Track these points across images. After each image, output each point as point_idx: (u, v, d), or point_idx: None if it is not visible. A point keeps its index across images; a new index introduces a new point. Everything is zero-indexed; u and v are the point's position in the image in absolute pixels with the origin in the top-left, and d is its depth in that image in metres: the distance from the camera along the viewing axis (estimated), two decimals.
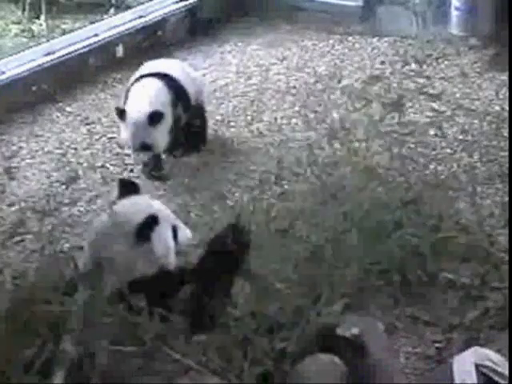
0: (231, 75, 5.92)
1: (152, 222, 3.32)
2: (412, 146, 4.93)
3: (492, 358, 2.99)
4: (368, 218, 3.89)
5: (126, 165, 4.81)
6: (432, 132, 5.10)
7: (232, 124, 5.27)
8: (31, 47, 5.77)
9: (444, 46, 6.25)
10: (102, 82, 5.81)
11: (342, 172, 4.52)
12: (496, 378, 2.94)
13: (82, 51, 5.81)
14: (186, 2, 6.58)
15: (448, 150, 4.91)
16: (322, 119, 5.26)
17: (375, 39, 6.42)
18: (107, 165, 4.81)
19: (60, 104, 5.51)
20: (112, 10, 6.54)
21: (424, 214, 4.02)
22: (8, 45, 6.13)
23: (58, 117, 5.39)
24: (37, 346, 2.91)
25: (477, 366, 2.95)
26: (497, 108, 5.38)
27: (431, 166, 4.72)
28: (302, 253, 3.70)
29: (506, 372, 2.95)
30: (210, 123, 5.09)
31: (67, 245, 3.99)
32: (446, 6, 6.45)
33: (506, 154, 4.79)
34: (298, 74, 5.93)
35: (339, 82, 5.78)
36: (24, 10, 6.45)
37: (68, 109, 5.47)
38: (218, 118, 5.29)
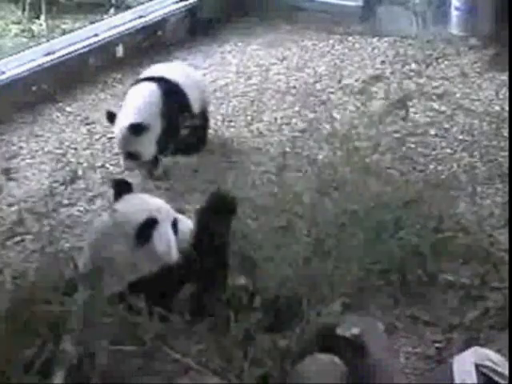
0: (231, 75, 5.92)
1: (152, 223, 3.32)
2: (412, 145, 4.93)
3: (492, 358, 2.99)
4: (368, 218, 3.89)
5: None
6: (432, 132, 5.10)
7: (232, 124, 5.27)
8: (31, 47, 5.77)
9: (444, 46, 6.26)
10: (102, 81, 5.81)
11: (342, 172, 4.52)
12: (496, 378, 2.94)
13: (81, 51, 5.81)
14: (186, 2, 6.58)
15: (448, 150, 4.91)
16: (322, 119, 5.26)
17: (375, 39, 6.42)
18: (107, 165, 4.81)
19: (60, 104, 5.51)
20: (112, 10, 6.54)
21: (424, 214, 4.02)
22: (8, 45, 6.13)
23: (57, 117, 5.39)
24: (37, 346, 2.91)
25: (477, 366, 2.95)
26: (497, 108, 5.38)
27: (431, 166, 4.72)
28: (302, 252, 3.70)
29: (506, 372, 2.95)
30: (210, 123, 5.09)
31: (67, 245, 3.99)
32: (446, 6, 6.45)
33: (506, 154, 4.79)
34: (298, 73, 5.94)
35: (339, 81, 5.78)
36: (24, 9, 6.45)
37: (68, 109, 5.47)
38: (218, 117, 5.29)
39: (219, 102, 5.50)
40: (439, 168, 4.71)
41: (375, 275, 3.67)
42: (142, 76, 4.87)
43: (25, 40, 6.19)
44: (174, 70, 4.91)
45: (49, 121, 5.33)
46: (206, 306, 3.29)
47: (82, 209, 4.42)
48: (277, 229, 4.02)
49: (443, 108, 5.40)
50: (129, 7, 6.48)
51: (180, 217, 3.51)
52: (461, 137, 5.06)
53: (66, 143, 5.07)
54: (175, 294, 3.36)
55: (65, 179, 4.66)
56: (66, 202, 4.47)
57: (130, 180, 4.05)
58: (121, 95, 5.45)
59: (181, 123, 4.68)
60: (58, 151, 4.98)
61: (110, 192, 4.44)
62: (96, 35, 5.96)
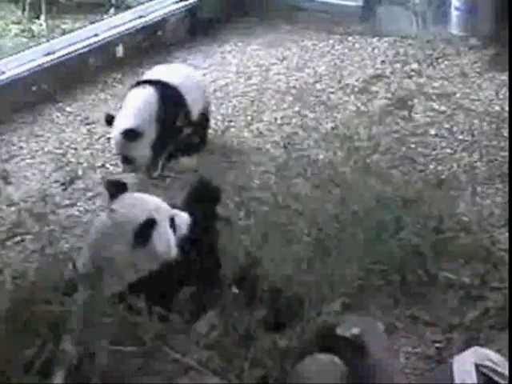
0: (231, 75, 5.92)
1: (151, 224, 3.33)
2: (412, 145, 4.93)
3: (492, 358, 2.99)
4: (368, 218, 3.89)
5: None
6: (432, 132, 5.10)
7: (232, 124, 5.27)
8: (31, 47, 5.77)
9: (444, 46, 6.26)
10: (102, 82, 5.82)
11: (342, 172, 4.53)
12: (496, 378, 2.94)
13: (81, 51, 5.81)
14: (186, 2, 6.58)
15: (448, 150, 4.91)
16: (322, 119, 5.26)
17: (375, 39, 6.42)
18: (107, 165, 4.81)
19: (60, 104, 5.51)
20: (112, 10, 6.54)
21: (424, 213, 4.02)
22: (8, 45, 6.13)
23: (57, 117, 5.39)
24: (37, 346, 2.91)
25: (477, 366, 2.95)
26: (497, 108, 5.38)
27: (431, 166, 4.72)
28: (302, 252, 3.70)
29: (506, 372, 2.95)
30: (210, 123, 5.09)
31: (67, 245, 3.99)
32: (446, 6, 6.45)
33: (506, 154, 4.79)
34: (298, 73, 5.93)
35: (339, 82, 5.78)
36: (24, 9, 6.45)
37: (68, 109, 5.47)
38: (218, 118, 5.29)
39: (219, 102, 5.50)
40: (439, 168, 4.71)
41: (375, 275, 3.67)
42: (141, 78, 4.87)
43: (25, 40, 6.19)
44: (174, 72, 4.88)
45: (49, 121, 5.33)
46: (203, 302, 3.31)
47: (81, 209, 4.42)
48: (277, 228, 4.02)
49: (443, 108, 5.40)
50: (129, 7, 6.48)
51: (176, 212, 3.50)
52: (461, 137, 5.06)
53: (66, 143, 5.07)
54: (175, 294, 3.36)
55: (65, 179, 4.66)
56: (65, 202, 4.47)
57: (127, 179, 4.08)
58: (121, 95, 5.45)
59: (178, 128, 4.65)
60: (58, 151, 4.98)
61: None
62: (96, 35, 5.96)
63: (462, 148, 4.94)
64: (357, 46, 6.36)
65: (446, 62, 6.03)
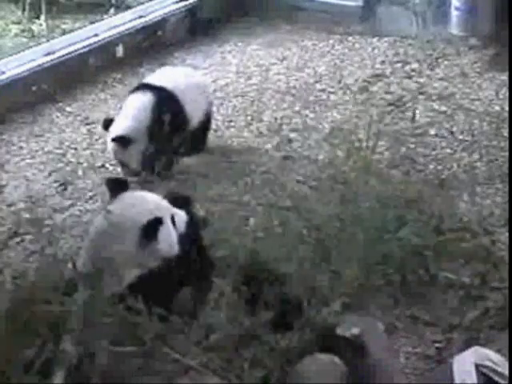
0: (231, 75, 5.92)
1: (156, 223, 3.34)
2: (412, 145, 4.93)
3: (492, 358, 3.00)
4: (368, 218, 3.89)
5: None
6: (432, 132, 5.10)
7: (232, 124, 5.27)
8: (31, 47, 5.77)
9: (444, 46, 6.26)
10: (102, 82, 5.81)
11: (342, 172, 4.53)
12: (496, 378, 2.94)
13: (82, 51, 5.81)
14: (186, 2, 6.58)
15: (448, 150, 4.91)
16: (322, 119, 5.26)
17: (375, 39, 6.42)
18: (107, 165, 4.80)
19: (60, 104, 5.51)
20: (112, 10, 6.54)
21: (424, 213, 4.02)
22: (8, 45, 6.13)
23: (57, 117, 5.39)
24: (37, 346, 2.91)
25: (477, 366, 2.95)
26: (497, 108, 5.38)
27: (431, 166, 4.72)
28: (302, 252, 3.70)
29: (506, 372, 2.95)
30: (211, 124, 5.08)
31: (67, 245, 3.99)
32: (446, 6, 6.45)
33: (506, 154, 4.79)
34: (298, 73, 5.93)
35: (339, 81, 5.78)
36: (24, 9, 6.45)
37: (68, 109, 5.47)
38: (218, 118, 5.29)
39: (219, 101, 5.49)
40: (439, 168, 4.71)
41: (375, 275, 3.67)
42: (143, 81, 4.84)
43: (25, 40, 6.19)
44: (175, 77, 4.82)
45: (49, 121, 5.33)
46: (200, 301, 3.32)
47: (81, 209, 4.42)
48: (277, 228, 4.02)
49: (443, 108, 5.40)
50: (129, 7, 6.48)
51: (175, 210, 3.52)
52: (461, 137, 5.06)
53: (66, 143, 5.07)
54: (175, 294, 3.37)
55: (65, 179, 4.66)
56: (65, 202, 4.47)
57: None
58: (121, 95, 5.46)
59: (174, 135, 4.59)
60: (58, 151, 4.98)
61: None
62: (96, 35, 5.96)
63: (462, 148, 4.94)
64: (357, 45, 6.36)
65: (445, 62, 6.03)
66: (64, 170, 4.78)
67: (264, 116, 5.36)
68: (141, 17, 6.30)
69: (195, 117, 4.75)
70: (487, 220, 4.17)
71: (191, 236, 3.50)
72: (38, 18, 6.39)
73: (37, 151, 4.99)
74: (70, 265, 3.30)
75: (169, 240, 3.38)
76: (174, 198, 3.60)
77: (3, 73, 5.40)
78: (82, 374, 2.93)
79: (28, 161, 4.88)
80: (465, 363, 2.98)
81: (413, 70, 5.91)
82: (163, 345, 3.07)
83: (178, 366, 3.04)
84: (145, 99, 4.57)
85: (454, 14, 6.40)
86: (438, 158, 4.82)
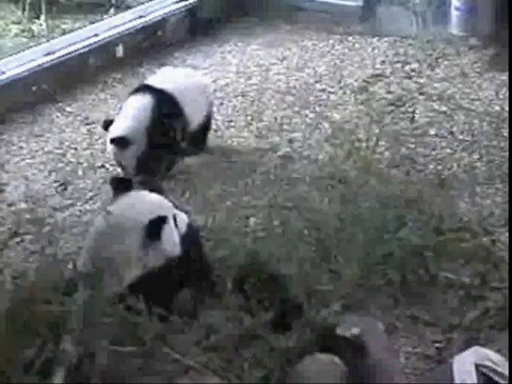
0: (231, 75, 5.92)
1: (161, 221, 3.34)
2: (412, 145, 4.93)
3: (492, 358, 2.99)
4: (368, 218, 3.89)
5: None
6: (432, 132, 5.10)
7: (232, 124, 5.27)
8: (31, 47, 5.77)
9: (444, 46, 6.26)
10: (102, 82, 5.81)
11: (342, 172, 4.53)
12: (496, 378, 2.94)
13: (82, 51, 5.81)
14: (186, 2, 6.58)
15: (448, 150, 4.91)
16: (322, 119, 5.26)
17: (375, 39, 6.42)
18: (107, 165, 4.80)
19: (60, 104, 5.51)
20: (112, 10, 6.54)
21: (424, 213, 4.02)
22: (8, 45, 6.13)
23: (57, 117, 5.39)
24: (37, 346, 2.91)
25: (477, 366, 2.95)
26: (497, 108, 5.38)
27: (431, 166, 4.72)
28: (303, 252, 3.70)
29: (506, 372, 2.95)
30: (211, 124, 5.08)
31: (67, 245, 3.99)
32: (446, 6, 6.45)
33: (506, 154, 4.79)
34: (298, 73, 5.93)
35: (339, 81, 5.78)
36: (24, 9, 6.45)
37: (68, 109, 5.47)
38: (218, 118, 5.29)
39: (219, 101, 5.49)
40: (439, 168, 4.71)
41: (375, 275, 3.67)
42: (143, 83, 4.83)
43: (25, 40, 6.19)
44: (176, 79, 4.79)
45: (49, 121, 5.33)
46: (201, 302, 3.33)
47: (81, 209, 4.42)
48: (277, 228, 4.03)
49: (443, 108, 5.39)
50: (129, 7, 6.48)
51: (177, 211, 3.52)
52: (461, 137, 5.06)
53: (66, 143, 5.07)
54: (175, 295, 3.37)
55: (65, 179, 4.66)
56: (65, 202, 4.47)
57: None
58: (121, 95, 5.46)
59: (173, 138, 4.58)
60: (58, 151, 4.98)
61: (110, 191, 4.47)
62: (96, 35, 5.96)
63: (462, 148, 4.94)
64: (357, 45, 6.36)
65: (445, 62, 6.03)
66: (64, 169, 4.78)
67: (264, 116, 5.36)
68: (141, 17, 6.30)
69: (195, 119, 4.74)
70: (487, 220, 4.17)
71: (192, 237, 3.51)
72: (38, 17, 6.39)
73: (37, 151, 4.99)
74: (70, 265, 3.30)
75: (171, 240, 3.39)
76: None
77: (3, 73, 5.40)
78: (81, 374, 2.93)
79: (28, 161, 4.88)
80: (465, 363, 2.98)
81: (413, 70, 5.91)
82: (163, 345, 3.07)
83: (178, 366, 3.04)
84: (144, 101, 4.57)
85: (454, 14, 6.40)
86: (437, 158, 4.82)
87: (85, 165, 4.82)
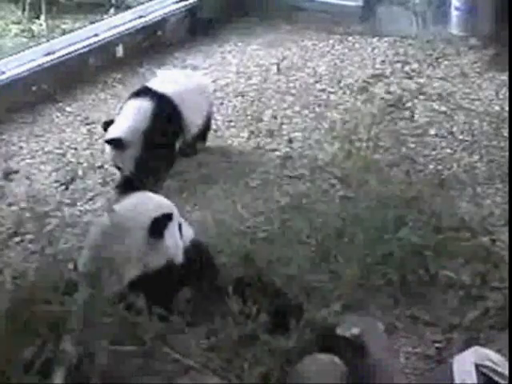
0: (231, 75, 5.92)
1: (166, 218, 3.36)
2: (412, 145, 4.93)
3: (492, 358, 2.99)
4: (368, 218, 3.89)
5: None
6: (432, 132, 5.10)
7: (232, 124, 5.27)
8: (31, 47, 5.76)
9: (444, 46, 6.26)
10: (102, 82, 5.81)
11: (342, 172, 4.53)
12: (496, 378, 2.94)
13: (82, 51, 5.81)
14: (186, 2, 6.58)
15: (448, 150, 4.91)
16: (321, 119, 5.26)
17: (375, 39, 6.42)
18: (107, 165, 4.80)
19: (60, 104, 5.51)
20: (112, 10, 6.54)
21: (424, 213, 4.02)
22: (8, 45, 6.13)
23: (57, 117, 5.39)
24: (37, 346, 2.91)
25: (477, 366, 2.95)
26: (497, 108, 5.38)
27: (431, 166, 4.72)
28: (303, 252, 3.71)
29: (506, 372, 2.95)
30: (211, 123, 5.08)
31: (67, 245, 3.99)
32: (446, 6, 6.45)
33: (506, 154, 4.79)
34: (298, 73, 5.93)
35: (339, 82, 5.78)
36: (24, 9, 6.45)
37: (68, 109, 5.47)
38: (218, 118, 5.29)
39: (219, 101, 5.49)
40: (439, 168, 4.71)
41: (375, 275, 3.67)
42: (143, 86, 4.82)
43: (25, 40, 6.19)
44: (176, 82, 4.77)
45: (49, 121, 5.33)
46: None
47: (81, 209, 4.42)
48: (277, 228, 4.03)
49: (443, 108, 5.39)
50: (129, 7, 6.48)
51: (183, 222, 3.55)
52: (461, 137, 5.06)
53: (66, 143, 5.07)
54: (175, 294, 3.37)
55: (65, 179, 4.66)
56: (65, 202, 4.47)
57: None
58: (121, 95, 5.46)
59: (171, 142, 4.58)
60: (58, 151, 4.98)
61: (111, 192, 4.48)
62: (96, 35, 5.96)
63: (462, 148, 4.94)
64: (357, 45, 6.36)
65: (445, 62, 6.03)
66: (64, 169, 4.78)
67: (264, 116, 5.36)
68: (141, 17, 6.29)
69: (194, 121, 4.72)
70: (487, 220, 4.17)
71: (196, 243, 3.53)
72: (38, 17, 6.38)
73: (37, 151, 4.99)
74: (70, 265, 3.30)
75: (173, 242, 3.40)
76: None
77: (3, 73, 5.40)
78: (82, 374, 2.93)
79: (28, 161, 4.88)
80: (465, 363, 2.98)
81: (413, 70, 5.91)
82: (163, 344, 3.07)
83: (178, 365, 3.04)
84: (143, 104, 4.54)
85: (454, 14, 6.40)
86: (437, 158, 4.82)
87: (85, 165, 4.82)
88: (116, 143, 4.45)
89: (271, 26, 6.69)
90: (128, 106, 4.60)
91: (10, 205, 4.40)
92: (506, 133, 5.01)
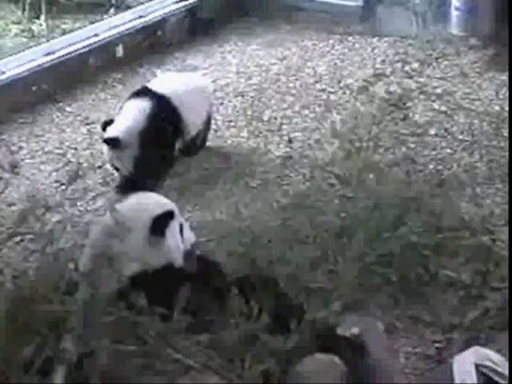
0: (231, 75, 5.92)
1: (169, 216, 3.36)
2: (412, 145, 4.93)
3: (492, 358, 2.99)
4: (368, 218, 3.89)
5: None
6: (432, 132, 5.10)
7: (232, 124, 5.27)
8: (31, 47, 5.77)
9: (444, 45, 6.26)
10: (102, 82, 5.82)
11: (342, 172, 4.53)
12: (496, 378, 2.94)
13: (82, 51, 5.81)
14: (186, 2, 6.58)
15: (448, 150, 4.91)
16: (321, 119, 5.26)
17: (375, 39, 6.42)
18: (107, 165, 4.80)
19: (60, 104, 5.52)
20: (112, 10, 6.54)
21: (424, 213, 4.03)
22: (8, 45, 6.13)
23: (58, 117, 5.39)
24: (37, 345, 2.91)
25: (477, 366, 2.95)
26: (497, 108, 5.38)
27: (431, 166, 4.72)
28: (302, 252, 3.71)
29: (506, 372, 2.95)
30: (211, 123, 5.08)
31: (67, 245, 3.99)
32: (446, 6, 6.45)
33: (506, 154, 4.79)
34: (298, 73, 5.93)
35: (339, 81, 5.78)
36: (24, 9, 6.45)
37: (68, 109, 5.47)
38: (218, 118, 5.29)
39: (219, 101, 5.49)
40: (439, 168, 4.71)
41: (375, 275, 3.67)
42: (143, 86, 4.82)
43: (25, 40, 6.19)
44: (176, 83, 4.78)
45: (49, 121, 5.33)
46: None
47: (82, 209, 4.42)
48: (277, 228, 4.03)
49: (443, 108, 5.39)
50: (129, 7, 6.48)
51: (185, 224, 3.55)
52: (461, 137, 5.06)
53: (66, 143, 5.07)
54: (175, 294, 3.37)
55: (65, 179, 4.66)
56: (66, 202, 4.47)
57: None
58: (121, 95, 5.46)
59: (169, 144, 4.58)
60: (58, 151, 4.98)
61: (111, 192, 4.48)
62: (96, 35, 5.96)
63: (462, 148, 4.94)
64: (357, 45, 6.36)
65: (445, 62, 6.03)
66: (64, 169, 4.78)
67: (264, 116, 5.36)
68: (141, 17, 6.29)
69: (193, 124, 4.71)
70: (487, 219, 4.17)
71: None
72: (38, 18, 6.38)
73: (37, 151, 4.99)
74: (71, 264, 3.30)
75: (175, 241, 3.40)
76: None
77: (3, 73, 5.40)
78: (82, 374, 2.93)
79: (28, 161, 4.88)
80: (465, 363, 2.98)
81: (413, 70, 5.91)
82: (164, 344, 3.07)
83: (178, 365, 3.04)
84: (142, 104, 4.54)
85: (454, 13, 6.40)
86: (437, 158, 4.82)
87: (85, 165, 4.82)
88: (114, 143, 4.45)
89: (271, 26, 6.69)
90: (127, 107, 4.60)
91: (10, 204, 4.40)
92: (505, 133, 5.01)
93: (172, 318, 3.12)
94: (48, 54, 5.66)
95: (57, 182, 4.66)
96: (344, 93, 5.62)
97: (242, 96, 5.62)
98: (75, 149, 5.00)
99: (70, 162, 4.87)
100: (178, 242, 3.44)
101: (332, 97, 5.57)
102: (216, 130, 5.14)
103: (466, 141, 5.01)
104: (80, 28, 6.14)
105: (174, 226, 3.43)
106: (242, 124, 5.27)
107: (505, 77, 5.71)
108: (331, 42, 6.42)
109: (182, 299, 3.25)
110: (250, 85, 5.79)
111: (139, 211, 3.41)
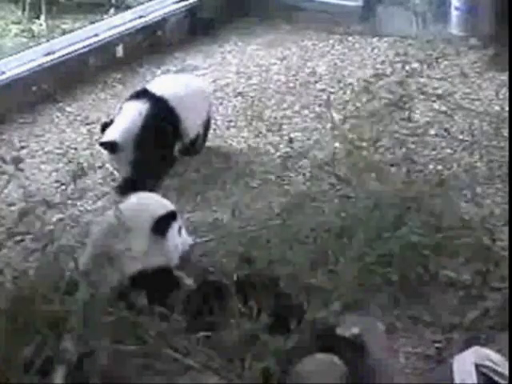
0: (231, 75, 5.92)
1: (171, 217, 3.37)
2: (412, 145, 4.93)
3: (492, 358, 3.00)
4: (368, 217, 3.89)
5: None
6: (432, 132, 5.10)
7: (232, 124, 5.27)
8: (31, 47, 5.76)
9: (444, 45, 6.25)
10: (102, 82, 5.81)
11: (342, 172, 4.53)
12: (496, 378, 2.94)
13: (81, 51, 5.81)
14: (186, 2, 6.58)
15: (448, 150, 4.91)
16: (322, 119, 5.26)
17: (375, 39, 6.42)
18: (107, 165, 4.80)
19: (60, 104, 5.51)
20: (112, 10, 6.54)
21: (424, 213, 4.02)
22: (8, 45, 6.13)
23: (57, 117, 5.39)
24: (37, 345, 2.91)
25: (477, 366, 2.95)
26: (497, 108, 5.38)
27: (431, 166, 4.72)
28: (302, 252, 3.70)
29: (506, 372, 2.95)
30: (210, 123, 5.08)
31: (67, 244, 3.99)
32: (446, 6, 6.45)
33: (506, 154, 4.79)
34: (298, 74, 5.93)
35: (339, 81, 5.78)
36: (24, 9, 6.45)
37: (68, 109, 5.47)
38: (218, 118, 5.29)
39: (219, 101, 5.49)
40: (439, 168, 4.71)
41: (375, 275, 3.67)
42: (142, 88, 4.81)
43: (25, 40, 6.19)
44: (175, 85, 4.76)
45: (49, 121, 5.33)
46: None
47: (82, 208, 4.42)
48: (277, 228, 4.03)
49: (443, 108, 5.39)
50: (129, 7, 6.48)
51: (183, 227, 3.56)
52: (461, 137, 5.06)
53: (67, 143, 5.07)
54: (174, 293, 3.38)
55: (65, 179, 4.66)
56: (66, 201, 4.47)
57: None
58: (121, 95, 5.46)
59: (168, 146, 4.57)
60: (58, 151, 4.98)
61: (111, 192, 4.48)
62: (96, 35, 5.95)
63: (462, 148, 4.94)
64: (357, 45, 6.36)
65: (445, 62, 6.03)
66: (64, 169, 4.78)
67: (264, 116, 5.36)
68: (141, 17, 6.29)
69: (192, 126, 4.69)
70: (487, 219, 4.17)
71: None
72: (38, 18, 6.38)
73: (37, 151, 4.99)
74: (71, 264, 3.30)
75: (173, 242, 3.41)
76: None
77: (3, 73, 5.40)
78: (82, 374, 2.93)
79: (28, 160, 4.88)
80: (465, 363, 2.98)
81: (413, 70, 5.91)
82: (164, 344, 3.07)
83: (178, 365, 3.04)
84: (140, 107, 4.52)
85: (454, 13, 6.40)
86: (438, 158, 4.82)
87: (85, 165, 4.82)
88: (109, 146, 4.43)
89: (271, 26, 6.69)
90: (125, 109, 4.58)
91: (10, 204, 4.40)
92: (505, 133, 5.01)
93: (172, 318, 3.12)
94: (48, 53, 5.65)
95: (57, 181, 4.66)
96: (344, 93, 5.62)
97: (242, 96, 5.62)
98: (75, 149, 5.00)
99: (70, 162, 4.86)
100: (178, 242, 3.45)
101: (332, 97, 5.57)
102: (216, 130, 5.14)
103: (466, 141, 5.01)
104: (80, 28, 6.13)
105: (174, 227, 3.44)
106: (242, 124, 5.27)
107: (505, 77, 5.71)
108: (331, 42, 6.42)
109: (182, 299, 3.26)
110: (249, 85, 5.79)
111: (140, 211, 3.42)
